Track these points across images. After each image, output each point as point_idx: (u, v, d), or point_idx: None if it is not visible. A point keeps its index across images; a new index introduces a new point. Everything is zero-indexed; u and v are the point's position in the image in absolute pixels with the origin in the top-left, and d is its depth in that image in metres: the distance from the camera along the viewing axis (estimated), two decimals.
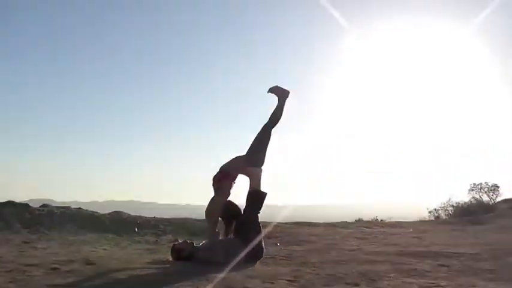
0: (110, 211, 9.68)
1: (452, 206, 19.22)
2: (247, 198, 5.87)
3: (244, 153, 6.07)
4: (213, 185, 5.99)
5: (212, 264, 5.11)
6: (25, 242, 6.63)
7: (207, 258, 5.34)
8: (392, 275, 4.77)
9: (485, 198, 19.67)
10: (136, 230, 8.30)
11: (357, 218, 15.79)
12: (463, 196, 19.82)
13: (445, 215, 19.11)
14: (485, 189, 19.91)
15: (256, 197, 5.84)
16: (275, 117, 6.11)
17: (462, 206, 18.53)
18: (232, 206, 5.94)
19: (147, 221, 9.06)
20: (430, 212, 20.17)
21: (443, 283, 4.33)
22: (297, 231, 9.78)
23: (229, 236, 5.89)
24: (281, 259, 5.90)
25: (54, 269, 4.66)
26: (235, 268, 4.92)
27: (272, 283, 4.16)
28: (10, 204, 8.40)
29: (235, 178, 6.04)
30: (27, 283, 3.94)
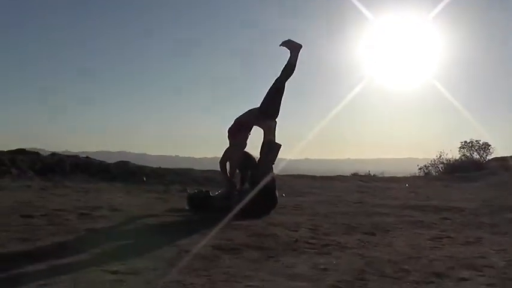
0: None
1: (443, 163, 19.51)
2: (261, 150, 6.03)
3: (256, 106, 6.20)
4: (228, 136, 6.14)
5: (229, 212, 5.32)
6: (43, 189, 6.82)
7: (224, 207, 5.52)
8: (402, 226, 5.06)
9: (475, 156, 20.01)
10: (144, 179, 8.50)
11: (353, 172, 16.10)
12: (453, 154, 20.07)
13: (435, 171, 19.42)
14: (476, 147, 20.22)
15: (270, 148, 6.00)
16: (288, 70, 6.18)
17: (453, 163, 18.82)
18: (248, 156, 6.10)
19: (153, 171, 9.25)
20: (420, 169, 20.46)
21: (452, 235, 4.62)
22: (298, 184, 10.04)
23: (244, 186, 6.08)
24: (292, 209, 6.16)
25: (84, 214, 4.87)
26: (254, 216, 5.15)
27: (296, 231, 4.42)
28: (21, 151, 8.52)
29: (250, 130, 6.18)
30: (66, 226, 4.16)
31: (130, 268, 2.78)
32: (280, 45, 6.17)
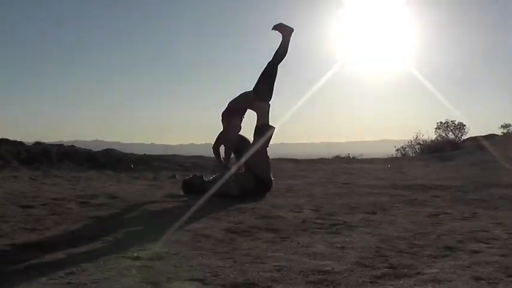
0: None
1: (419, 143, 19.91)
2: (255, 132, 6.08)
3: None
4: (222, 120, 6.18)
5: (227, 197, 5.37)
6: (32, 179, 6.74)
7: (221, 191, 5.56)
8: (398, 205, 5.18)
9: (451, 136, 20.47)
10: (132, 166, 8.46)
11: (335, 155, 16.30)
12: (429, 134, 20.48)
13: (412, 152, 19.82)
14: (451, 128, 20.66)
15: (264, 130, 6.05)
16: (280, 53, 6.23)
17: (429, 143, 19.21)
18: (243, 140, 6.14)
19: (139, 158, 9.23)
20: (397, 150, 20.84)
21: (447, 211, 4.76)
22: (284, 167, 10.14)
23: (240, 169, 6.13)
24: (286, 192, 6.23)
25: (84, 202, 4.85)
26: (252, 199, 5.22)
27: (300, 212, 4.50)
28: (4, 141, 8.37)
29: (244, 113, 6.22)
30: (70, 215, 4.12)
31: (151, 253, 2.79)
32: (272, 29, 6.21)
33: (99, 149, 9.88)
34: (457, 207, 5.09)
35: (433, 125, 21.37)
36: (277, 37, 6.20)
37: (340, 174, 9.14)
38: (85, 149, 9.09)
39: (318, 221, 4.03)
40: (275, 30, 6.22)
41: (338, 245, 3.08)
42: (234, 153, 6.22)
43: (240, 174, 5.99)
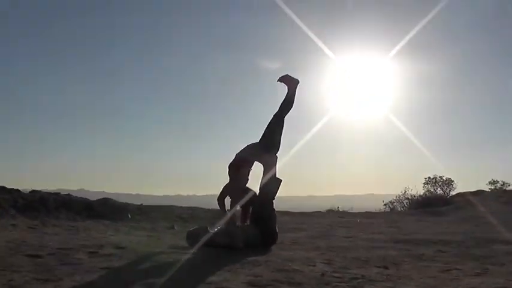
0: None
1: (408, 198, 19.99)
2: (262, 185, 6.07)
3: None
4: (229, 172, 6.16)
5: (232, 249, 5.31)
6: (31, 227, 6.62)
7: (226, 243, 5.49)
8: (407, 259, 5.16)
9: (439, 191, 20.62)
10: (129, 216, 8.37)
11: (327, 208, 16.29)
12: (417, 189, 20.61)
13: (401, 207, 19.87)
14: (440, 183, 20.87)
15: (271, 183, 6.05)
16: (287, 105, 6.28)
17: (417, 198, 19.31)
18: (249, 192, 6.12)
19: (137, 207, 9.14)
20: (385, 205, 20.89)
21: (458, 267, 4.74)
22: (280, 220, 10.02)
23: (246, 222, 6.08)
24: (292, 245, 6.19)
25: (92, 252, 4.76)
26: (260, 252, 5.17)
27: (314, 265, 4.45)
28: (1, 189, 8.25)
29: (251, 165, 6.22)
30: (81, 265, 4.04)
31: None
32: (277, 81, 6.28)
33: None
34: (466, 262, 5.07)
35: (420, 181, 21.58)
36: (283, 88, 6.28)
37: (339, 228, 9.11)
38: (82, 198, 8.98)
39: (336, 274, 3.99)
40: (281, 82, 6.29)
41: None
42: (240, 205, 6.18)
43: (246, 226, 5.95)
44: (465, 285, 3.73)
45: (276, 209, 6.17)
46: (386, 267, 4.54)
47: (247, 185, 6.16)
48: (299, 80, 6.29)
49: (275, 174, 6.09)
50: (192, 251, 5.31)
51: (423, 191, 20.78)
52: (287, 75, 6.28)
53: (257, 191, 6.09)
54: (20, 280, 3.42)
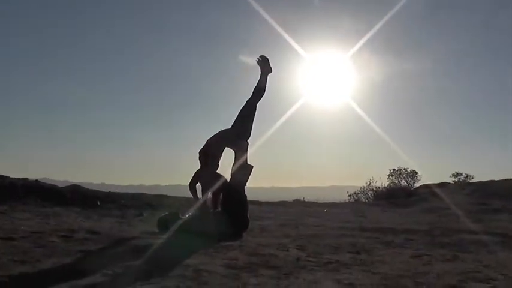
0: None
1: (372, 190, 20.23)
2: (233, 171, 6.04)
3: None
4: (199, 158, 6.10)
5: (203, 235, 5.28)
6: (1, 213, 6.45)
7: (198, 229, 5.46)
8: (377, 246, 5.23)
9: (403, 183, 20.96)
10: (98, 203, 8.21)
11: (293, 199, 16.35)
12: (382, 181, 20.87)
13: (365, 198, 20.10)
14: (404, 175, 21.22)
15: (242, 169, 6.02)
16: (258, 92, 6.25)
17: (382, 190, 19.55)
18: (220, 178, 6.07)
19: (106, 195, 8.98)
20: (350, 196, 21.09)
21: (428, 253, 4.83)
22: (249, 208, 10.08)
23: (216, 208, 6.05)
24: (262, 232, 6.20)
25: (66, 236, 4.69)
26: (231, 239, 5.15)
27: (287, 250, 4.48)
28: None
29: (222, 151, 6.16)
30: (57, 249, 3.99)
31: (161, 287, 2.71)
32: (255, 60, 6.22)
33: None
34: (435, 249, 5.17)
35: (384, 172, 21.87)
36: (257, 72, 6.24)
37: (306, 217, 9.16)
38: (50, 184, 8.76)
39: (310, 259, 4.03)
40: (257, 64, 6.23)
41: (346, 282, 3.08)
42: (211, 191, 6.13)
43: (217, 212, 5.92)
44: (439, 269, 3.81)
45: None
46: (358, 253, 4.61)
47: (218, 171, 6.10)
48: (272, 70, 6.27)
49: (246, 161, 6.08)
50: (164, 236, 5.27)
51: (388, 182, 21.09)
52: (266, 59, 6.23)
53: (228, 177, 6.06)
54: None
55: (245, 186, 6.08)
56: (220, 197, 6.05)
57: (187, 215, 5.98)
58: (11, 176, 8.33)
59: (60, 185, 9.16)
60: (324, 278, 3.23)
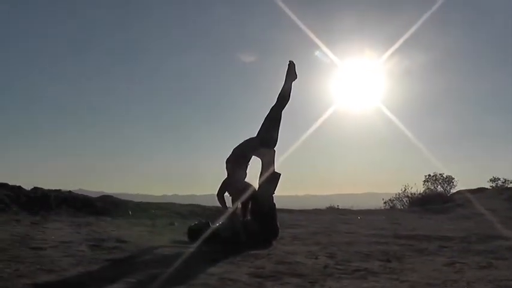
0: None
1: (408, 196, 19.85)
2: (261, 179, 6.02)
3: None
4: (226, 167, 6.09)
5: (233, 243, 5.27)
6: (34, 223, 6.59)
7: (228, 238, 5.45)
8: (409, 253, 5.12)
9: (439, 189, 20.50)
10: (130, 213, 8.33)
11: (327, 206, 16.21)
12: (417, 187, 20.48)
13: (401, 205, 19.74)
14: (440, 181, 20.76)
15: (270, 177, 6.00)
16: (283, 99, 6.23)
17: (418, 196, 19.16)
18: (248, 187, 6.05)
19: (137, 204, 9.10)
20: (385, 203, 20.76)
21: (461, 260, 4.71)
22: (279, 216, 10.02)
23: (246, 216, 6.03)
24: (293, 240, 6.15)
25: (95, 245, 4.75)
26: (261, 247, 5.13)
27: (316, 258, 4.43)
28: (3, 185, 8.23)
29: (249, 159, 6.14)
30: (84, 257, 4.04)
31: None
32: (288, 63, 6.23)
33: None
34: (469, 257, 5.04)
35: (420, 179, 21.44)
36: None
37: (339, 224, 9.06)
38: (83, 194, 8.94)
39: (339, 267, 3.98)
40: (287, 67, 6.23)
41: None
42: (239, 200, 6.11)
43: (247, 221, 5.90)
44: (470, 277, 3.70)
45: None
46: (388, 261, 4.52)
47: (245, 180, 6.09)
48: (297, 76, 6.26)
49: (273, 169, 6.05)
50: (193, 245, 5.29)
51: (423, 188, 20.67)
52: (293, 65, 6.23)
53: (256, 185, 6.04)
54: (25, 270, 3.47)
55: (273, 194, 6.06)
56: (249, 205, 6.03)
57: (217, 224, 5.99)
58: (45, 188, 8.53)
59: (96, 195, 9.33)
60: (350, 286, 3.18)
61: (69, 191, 8.81)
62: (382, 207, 19.61)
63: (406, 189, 20.11)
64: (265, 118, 6.21)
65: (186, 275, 3.33)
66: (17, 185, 8.33)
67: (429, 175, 21.12)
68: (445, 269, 4.11)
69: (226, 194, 6.18)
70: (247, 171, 6.13)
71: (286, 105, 6.28)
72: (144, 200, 10.42)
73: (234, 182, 6.01)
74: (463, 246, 6.04)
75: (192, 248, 5.03)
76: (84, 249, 4.48)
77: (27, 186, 8.59)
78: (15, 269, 3.43)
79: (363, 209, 15.57)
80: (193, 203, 11.20)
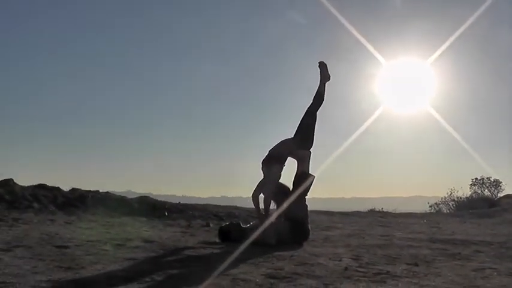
0: None
1: (454, 200, 19.43)
2: (295, 181, 6.01)
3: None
4: (262, 168, 6.10)
5: (263, 245, 5.27)
6: (68, 223, 6.77)
7: (258, 239, 5.44)
8: (440, 258, 4.99)
9: (486, 193, 19.98)
10: (166, 214, 8.44)
11: (369, 209, 16.03)
12: (464, 191, 20.04)
13: (447, 209, 19.33)
14: (487, 184, 20.21)
15: (304, 179, 5.98)
16: (318, 99, 6.21)
17: (464, 200, 18.74)
18: (283, 188, 6.05)
19: (174, 206, 9.21)
20: (431, 206, 20.38)
21: (493, 266, 4.54)
22: (317, 218, 9.96)
23: (279, 218, 6.02)
24: (324, 242, 6.09)
25: (119, 245, 4.83)
26: (290, 248, 5.11)
27: (340, 260, 4.37)
28: (42, 186, 8.51)
29: (284, 161, 6.13)
30: (105, 256, 4.12)
31: None
32: (318, 65, 6.22)
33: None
34: (503, 263, 4.86)
35: (467, 182, 20.93)
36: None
37: (376, 227, 8.93)
38: (120, 195, 9.14)
39: (360, 269, 3.91)
40: (319, 68, 6.22)
41: None
42: (274, 202, 6.11)
43: (279, 222, 5.88)
44: (496, 283, 3.58)
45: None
46: (416, 265, 4.41)
47: (280, 181, 6.08)
48: (330, 77, 6.24)
49: (308, 170, 6.03)
50: (221, 246, 5.32)
51: (470, 192, 20.19)
52: (325, 65, 6.21)
53: (290, 186, 6.03)
54: (43, 267, 3.55)
55: (306, 196, 6.04)
56: (283, 207, 6.01)
57: (248, 225, 6.00)
58: (83, 189, 8.76)
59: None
60: None
61: (107, 192, 9.01)
62: (427, 211, 19.23)
63: (452, 192, 19.69)
64: (301, 119, 6.20)
65: (201, 276, 3.34)
66: (56, 186, 8.59)
67: (476, 178, 20.59)
68: (472, 274, 3.97)
69: (261, 195, 6.19)
70: (281, 173, 6.13)
71: (322, 106, 6.27)
72: (189, 202, 10.52)
73: (268, 184, 6.01)
74: (501, 252, 5.84)
75: (219, 249, 5.06)
76: (108, 248, 4.57)
77: (85, 187, 8.88)
78: (34, 266, 3.53)
79: (405, 212, 15.29)
80: (229, 203, 11.27)
